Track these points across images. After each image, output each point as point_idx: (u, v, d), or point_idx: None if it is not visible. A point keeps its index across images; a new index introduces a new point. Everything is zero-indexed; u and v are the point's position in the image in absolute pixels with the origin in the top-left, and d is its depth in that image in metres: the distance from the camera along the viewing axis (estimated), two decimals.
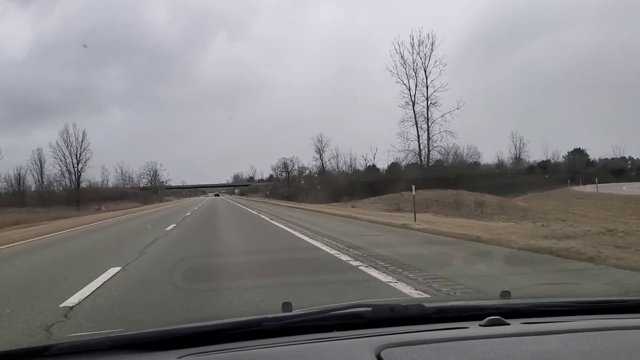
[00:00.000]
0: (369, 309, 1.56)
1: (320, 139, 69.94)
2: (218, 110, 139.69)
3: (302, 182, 67.92)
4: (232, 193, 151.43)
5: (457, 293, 5.12)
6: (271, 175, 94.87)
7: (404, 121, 43.07)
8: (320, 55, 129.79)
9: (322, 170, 67.53)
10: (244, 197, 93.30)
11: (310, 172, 73.53)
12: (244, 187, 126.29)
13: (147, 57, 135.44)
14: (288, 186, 71.48)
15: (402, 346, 1.29)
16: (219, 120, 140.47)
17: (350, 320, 1.52)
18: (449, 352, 1.25)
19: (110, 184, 77.02)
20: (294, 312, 1.57)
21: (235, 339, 1.41)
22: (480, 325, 1.45)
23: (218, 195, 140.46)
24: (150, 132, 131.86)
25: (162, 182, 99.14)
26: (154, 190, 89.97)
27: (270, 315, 1.53)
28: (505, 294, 1.81)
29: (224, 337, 1.42)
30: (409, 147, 43.35)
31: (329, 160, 66.68)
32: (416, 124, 42.21)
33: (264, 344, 1.38)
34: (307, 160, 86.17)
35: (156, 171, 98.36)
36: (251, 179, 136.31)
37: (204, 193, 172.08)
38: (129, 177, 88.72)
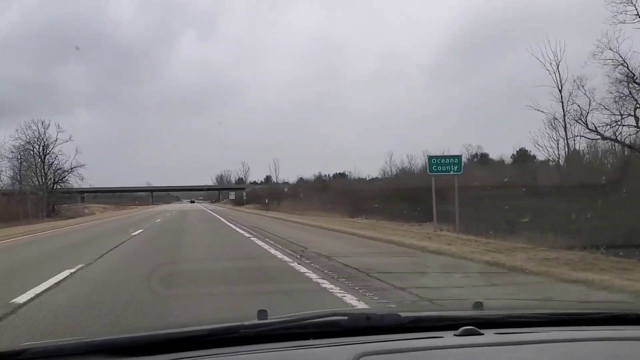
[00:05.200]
0: (345, 317, 1.56)
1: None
2: (193, 112, 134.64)
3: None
4: (215, 200, 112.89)
5: None
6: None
7: None
8: (298, 58, 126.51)
9: None
10: (262, 212, 39.82)
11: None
12: (237, 189, 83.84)
13: (113, 55, 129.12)
14: None
15: (379, 354, 1.29)
16: (193, 123, 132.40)
17: (326, 328, 1.51)
18: None
19: None
20: (270, 320, 1.56)
21: (210, 345, 1.39)
22: (454, 335, 1.45)
23: (194, 202, 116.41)
24: (118, 133, 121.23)
25: (63, 170, 44.79)
26: (25, 192, 36.80)
27: (246, 323, 1.51)
28: (478, 305, 1.81)
29: (199, 344, 1.40)
30: None
31: None
32: None
33: (239, 351, 1.37)
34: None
35: (45, 146, 43.69)
36: (240, 180, 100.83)
37: (177, 199, 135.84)
38: None
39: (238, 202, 69.15)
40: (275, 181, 76.45)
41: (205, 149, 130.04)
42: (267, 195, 51.70)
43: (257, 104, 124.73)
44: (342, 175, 45.01)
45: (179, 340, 1.41)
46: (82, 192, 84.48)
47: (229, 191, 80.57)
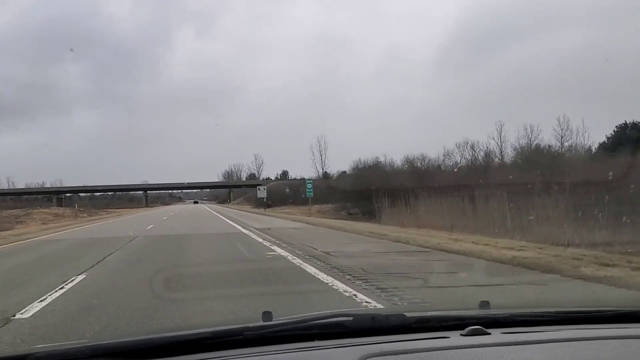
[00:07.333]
0: (350, 318, 1.54)
1: None
2: (193, 110, 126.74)
3: None
4: (225, 200, 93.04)
5: None
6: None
7: None
8: (300, 55, 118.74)
9: None
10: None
11: None
12: (254, 185, 58.62)
13: (114, 54, 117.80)
14: None
15: (384, 356, 1.28)
16: (194, 121, 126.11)
17: (331, 329, 1.50)
18: None
19: None
20: (274, 321, 1.54)
21: (214, 348, 1.38)
22: (461, 335, 1.44)
23: (197, 202, 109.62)
24: (118, 132, 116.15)
25: None
26: None
27: (251, 325, 1.50)
28: (485, 304, 1.80)
29: (203, 347, 1.39)
30: None
31: None
32: None
33: (244, 353, 1.35)
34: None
35: None
36: (252, 176, 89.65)
37: (180, 200, 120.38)
38: None
39: (272, 202, 44.57)
40: (323, 172, 55.34)
41: (208, 147, 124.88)
42: (332, 190, 28.94)
43: (264, 102, 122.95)
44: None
45: (182, 343, 1.40)
46: (58, 192, 63.20)
47: (258, 186, 51.63)
